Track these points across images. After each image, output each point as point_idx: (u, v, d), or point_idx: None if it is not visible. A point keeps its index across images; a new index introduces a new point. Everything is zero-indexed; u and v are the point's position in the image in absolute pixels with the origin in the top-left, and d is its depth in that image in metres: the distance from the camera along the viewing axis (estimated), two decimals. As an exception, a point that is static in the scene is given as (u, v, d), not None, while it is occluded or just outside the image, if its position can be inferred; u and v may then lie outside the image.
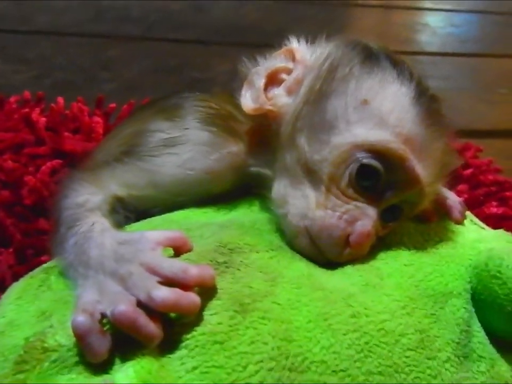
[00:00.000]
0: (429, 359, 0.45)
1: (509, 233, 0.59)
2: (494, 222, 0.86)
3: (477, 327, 0.51)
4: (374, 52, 0.53)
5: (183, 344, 0.38)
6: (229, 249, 0.46)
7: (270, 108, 0.53)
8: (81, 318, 0.37)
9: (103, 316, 0.38)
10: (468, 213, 0.62)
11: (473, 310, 0.52)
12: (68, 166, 0.85)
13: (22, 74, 1.35)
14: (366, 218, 0.49)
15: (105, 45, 1.61)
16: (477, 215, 0.65)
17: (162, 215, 0.53)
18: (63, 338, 0.38)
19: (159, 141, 0.54)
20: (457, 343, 0.48)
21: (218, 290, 0.41)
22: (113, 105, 1.07)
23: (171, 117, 0.55)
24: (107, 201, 0.51)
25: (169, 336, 0.38)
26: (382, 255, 0.51)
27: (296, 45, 0.55)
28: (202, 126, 0.54)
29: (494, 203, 0.96)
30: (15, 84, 1.28)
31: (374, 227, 0.50)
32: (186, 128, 0.54)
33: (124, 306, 0.37)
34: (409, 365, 0.44)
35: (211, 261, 0.44)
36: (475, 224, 0.61)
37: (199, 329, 0.39)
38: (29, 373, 0.37)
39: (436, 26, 2.28)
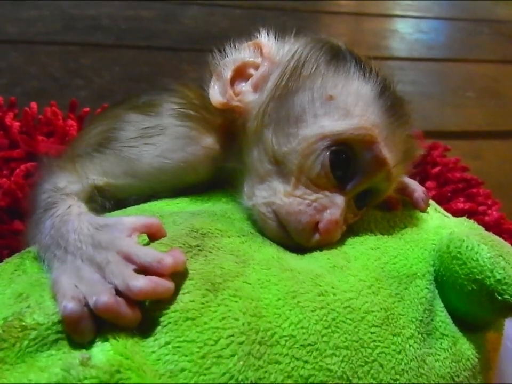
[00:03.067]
0: (393, 335, 0.47)
1: (470, 220, 0.62)
2: (461, 216, 0.89)
3: (439, 307, 0.53)
4: (340, 51, 0.55)
5: (156, 321, 0.40)
6: (201, 233, 0.47)
7: (237, 103, 0.54)
8: (72, 305, 0.38)
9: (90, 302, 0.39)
10: (432, 202, 0.64)
11: (437, 291, 0.54)
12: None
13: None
14: (334, 206, 0.51)
15: (76, 53, 1.62)
16: (445, 211, 0.67)
17: (137, 206, 0.54)
18: (41, 317, 0.39)
19: (136, 133, 0.55)
20: (421, 321, 0.50)
21: (191, 271, 0.43)
22: (87, 109, 1.08)
23: (147, 112, 0.56)
24: (85, 191, 0.51)
25: (143, 314, 0.39)
26: (349, 241, 0.53)
27: (265, 39, 0.56)
28: (178, 121, 0.55)
29: (461, 199, 1.00)
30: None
31: (342, 215, 0.51)
32: (162, 127, 0.55)
33: (106, 297, 0.38)
34: (374, 341, 0.46)
35: (184, 244, 0.45)
36: (439, 212, 0.63)
37: (171, 307, 0.40)
38: (8, 351, 0.38)
39: (404, 33, 2.32)
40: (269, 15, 2.25)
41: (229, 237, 0.48)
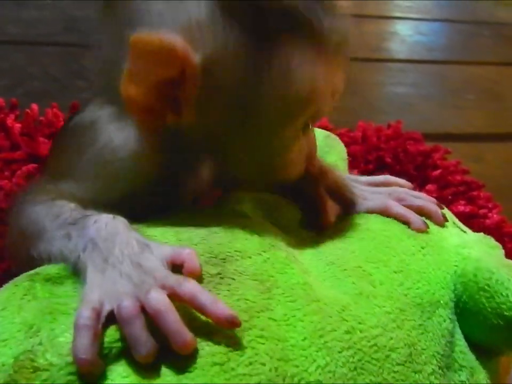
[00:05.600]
0: (415, 372, 0.46)
1: (488, 236, 0.60)
2: (462, 220, 0.88)
3: (458, 335, 0.52)
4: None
5: (182, 366, 0.37)
6: (220, 259, 0.45)
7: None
8: (86, 313, 0.37)
9: (108, 319, 0.38)
10: (450, 214, 0.62)
11: (455, 318, 0.52)
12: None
13: (-6, 83, 1.34)
14: (309, 140, 0.54)
15: (78, 55, 1.61)
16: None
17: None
18: (54, 357, 0.37)
19: (89, 162, 0.51)
20: (442, 355, 0.48)
21: None
22: (88, 111, 1.08)
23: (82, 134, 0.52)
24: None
25: (168, 358, 0.37)
26: (372, 258, 0.51)
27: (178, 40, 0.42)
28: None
29: (462, 202, 0.99)
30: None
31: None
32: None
33: (128, 303, 0.37)
34: (397, 380, 0.44)
35: (204, 274, 0.43)
36: (457, 227, 0.61)
37: (198, 351, 0.38)
38: (18, 392, 0.36)
39: (404, 35, 2.32)
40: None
41: (250, 257, 0.46)
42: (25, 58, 1.54)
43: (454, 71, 1.96)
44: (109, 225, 0.43)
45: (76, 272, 0.43)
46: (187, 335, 0.37)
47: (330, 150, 0.69)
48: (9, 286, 0.44)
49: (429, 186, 1.01)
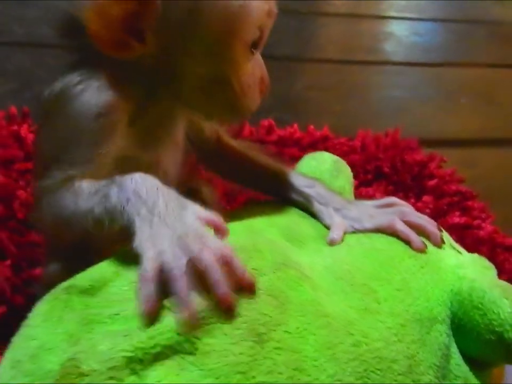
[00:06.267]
0: (414, 381, 0.50)
1: (482, 257, 0.65)
2: (457, 231, 0.92)
3: (454, 348, 0.57)
4: None
5: (210, 373, 0.41)
6: None
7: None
8: (150, 267, 0.41)
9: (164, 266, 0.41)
10: (447, 235, 0.66)
11: (451, 333, 0.57)
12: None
13: (1, 87, 1.35)
14: (262, 67, 0.58)
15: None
16: (441, 225, 0.68)
17: None
18: (95, 363, 0.40)
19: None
20: (438, 366, 0.53)
21: (237, 318, 0.44)
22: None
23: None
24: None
25: (197, 366, 0.41)
26: (377, 276, 0.56)
27: None
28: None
29: (457, 213, 1.03)
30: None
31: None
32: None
33: (178, 262, 0.41)
34: None
35: None
36: (454, 248, 0.65)
37: (223, 359, 0.42)
38: (64, 397, 0.40)
39: (400, 35, 2.32)
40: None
41: (265, 275, 0.50)
42: (32, 60, 1.54)
43: (450, 73, 1.95)
44: (147, 180, 0.46)
45: (121, 229, 0.46)
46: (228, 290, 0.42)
47: (339, 174, 0.73)
48: (49, 299, 0.48)
49: (425, 198, 1.05)
